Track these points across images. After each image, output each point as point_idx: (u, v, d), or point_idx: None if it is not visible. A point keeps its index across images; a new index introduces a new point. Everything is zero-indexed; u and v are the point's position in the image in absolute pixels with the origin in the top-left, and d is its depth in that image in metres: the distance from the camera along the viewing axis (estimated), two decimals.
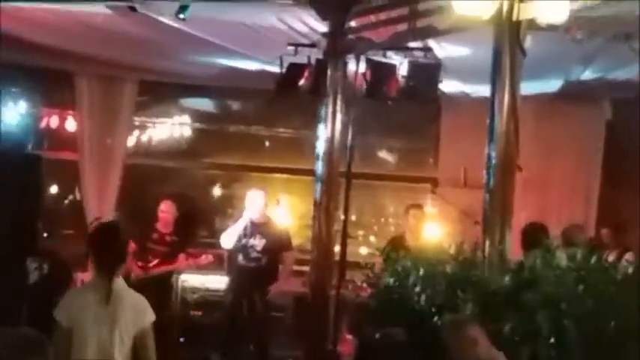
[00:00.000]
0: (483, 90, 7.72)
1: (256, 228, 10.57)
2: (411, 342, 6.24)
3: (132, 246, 11.11)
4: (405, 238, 10.46)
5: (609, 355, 6.25)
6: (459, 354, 5.93)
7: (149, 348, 5.95)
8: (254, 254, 10.51)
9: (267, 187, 11.11)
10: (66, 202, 13.58)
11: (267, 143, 13.57)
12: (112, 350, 5.84)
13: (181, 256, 11.10)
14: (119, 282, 5.98)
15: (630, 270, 6.65)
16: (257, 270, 10.50)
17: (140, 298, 6.09)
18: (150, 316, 6.01)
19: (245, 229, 10.53)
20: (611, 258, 7.73)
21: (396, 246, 10.04)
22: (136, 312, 5.96)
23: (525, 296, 6.46)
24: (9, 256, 9.68)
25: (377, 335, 6.40)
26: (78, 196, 12.80)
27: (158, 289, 10.86)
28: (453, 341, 5.96)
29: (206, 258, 11.21)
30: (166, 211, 11.22)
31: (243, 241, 10.52)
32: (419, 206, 11.09)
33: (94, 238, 6.25)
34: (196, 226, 13.19)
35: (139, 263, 10.97)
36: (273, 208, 11.41)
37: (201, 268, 11.47)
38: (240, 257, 10.58)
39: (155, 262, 11.04)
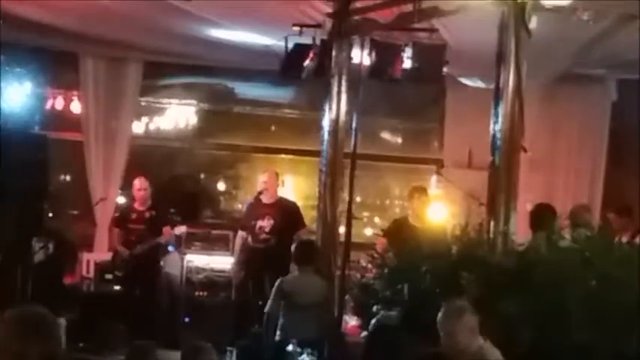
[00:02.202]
0: (488, 72, 7.72)
1: (265, 209, 10.54)
2: (404, 327, 6.22)
3: (114, 230, 11.28)
4: (409, 220, 10.42)
5: (611, 334, 6.29)
6: (448, 339, 5.82)
7: None
8: (262, 235, 10.48)
9: (274, 168, 11.07)
10: (72, 183, 13.57)
11: (272, 124, 13.52)
12: None
13: (166, 229, 11.00)
14: None
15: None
16: (266, 250, 10.49)
17: None
18: None
19: (256, 209, 10.51)
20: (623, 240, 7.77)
21: (399, 227, 10.07)
22: None
23: (529, 277, 6.48)
24: (15, 235, 9.71)
25: (372, 322, 6.38)
26: (84, 177, 12.78)
27: (146, 266, 10.93)
28: (446, 327, 5.87)
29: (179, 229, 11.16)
30: (141, 188, 11.14)
31: (252, 222, 10.51)
32: (422, 189, 10.98)
33: None
34: (202, 207, 13.19)
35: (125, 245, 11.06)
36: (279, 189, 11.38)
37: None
38: (250, 239, 10.57)
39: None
